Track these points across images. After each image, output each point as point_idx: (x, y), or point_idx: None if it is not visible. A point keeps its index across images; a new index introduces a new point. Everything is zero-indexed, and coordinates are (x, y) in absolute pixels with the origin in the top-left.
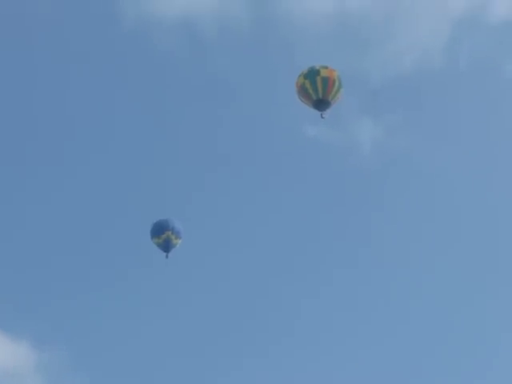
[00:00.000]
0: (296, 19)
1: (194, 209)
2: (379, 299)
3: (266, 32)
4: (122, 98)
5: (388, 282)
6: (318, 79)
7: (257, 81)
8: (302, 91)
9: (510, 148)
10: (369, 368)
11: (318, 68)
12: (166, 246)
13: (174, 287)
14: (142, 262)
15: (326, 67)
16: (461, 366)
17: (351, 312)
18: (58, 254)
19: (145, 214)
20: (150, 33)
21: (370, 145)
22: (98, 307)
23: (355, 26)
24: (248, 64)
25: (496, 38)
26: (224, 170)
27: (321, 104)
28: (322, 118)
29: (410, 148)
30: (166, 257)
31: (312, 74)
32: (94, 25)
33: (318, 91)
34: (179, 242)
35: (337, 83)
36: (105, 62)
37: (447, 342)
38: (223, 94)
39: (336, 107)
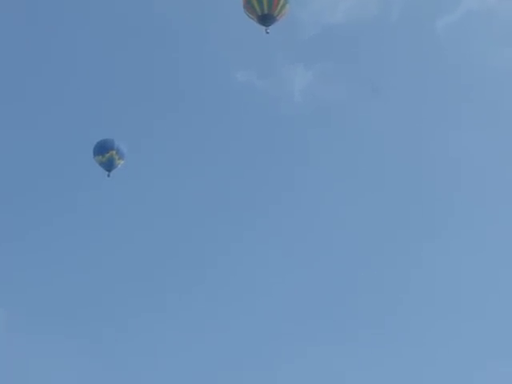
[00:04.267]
0: None
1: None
2: (297, 248)
3: None
4: (56, 32)
5: (309, 229)
6: None
7: (191, 23)
8: (248, 5)
9: (439, 100)
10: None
11: None
12: (109, 165)
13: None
14: (82, 180)
15: None
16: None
17: (271, 258)
18: None
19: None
20: None
21: (300, 92)
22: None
23: None
24: (182, 6)
25: None
26: (154, 111)
27: (266, 19)
28: (267, 33)
29: (342, 97)
30: (108, 176)
31: None
32: None
33: (263, 6)
34: (122, 162)
35: None
36: None
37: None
38: (156, 36)
39: (267, 55)
